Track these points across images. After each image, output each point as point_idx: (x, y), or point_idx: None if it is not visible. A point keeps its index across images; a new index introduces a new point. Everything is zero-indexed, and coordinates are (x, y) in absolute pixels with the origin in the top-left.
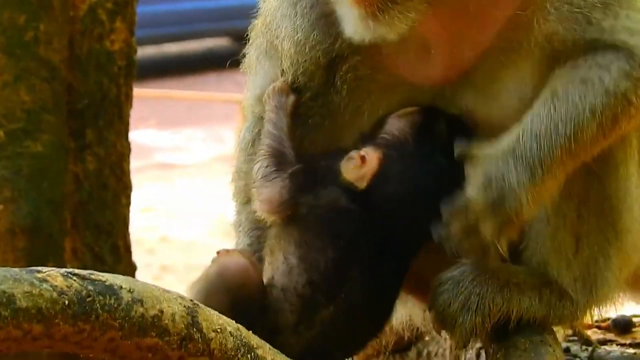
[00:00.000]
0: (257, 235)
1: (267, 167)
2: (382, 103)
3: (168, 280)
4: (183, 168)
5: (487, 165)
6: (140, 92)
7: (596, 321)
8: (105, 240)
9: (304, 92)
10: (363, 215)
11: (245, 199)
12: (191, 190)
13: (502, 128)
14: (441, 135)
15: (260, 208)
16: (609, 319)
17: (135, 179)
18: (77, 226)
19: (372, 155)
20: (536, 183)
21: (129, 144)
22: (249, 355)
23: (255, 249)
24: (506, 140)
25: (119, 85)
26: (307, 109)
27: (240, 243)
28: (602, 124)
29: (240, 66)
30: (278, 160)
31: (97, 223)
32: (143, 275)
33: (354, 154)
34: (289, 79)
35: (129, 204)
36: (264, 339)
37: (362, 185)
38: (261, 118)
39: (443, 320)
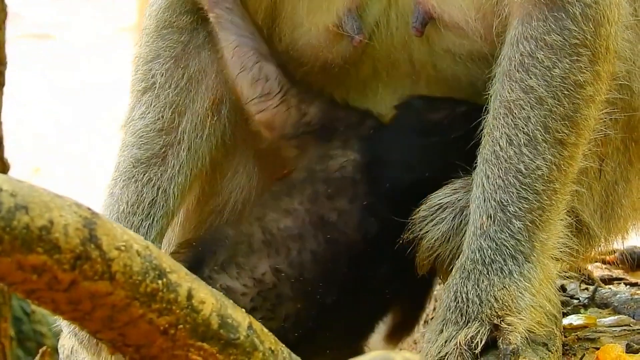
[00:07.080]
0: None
1: (258, 81)
2: None
3: (44, 186)
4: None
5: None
6: None
7: (600, 254)
8: None
9: None
10: (366, 192)
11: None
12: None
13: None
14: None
15: (263, 132)
16: (615, 251)
17: None
18: None
19: None
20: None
21: (5, 6)
22: (159, 281)
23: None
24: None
25: None
26: None
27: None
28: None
29: None
30: (264, 73)
31: None
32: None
33: None
34: None
35: (2, 83)
36: None
37: None
38: None
39: (436, 257)
